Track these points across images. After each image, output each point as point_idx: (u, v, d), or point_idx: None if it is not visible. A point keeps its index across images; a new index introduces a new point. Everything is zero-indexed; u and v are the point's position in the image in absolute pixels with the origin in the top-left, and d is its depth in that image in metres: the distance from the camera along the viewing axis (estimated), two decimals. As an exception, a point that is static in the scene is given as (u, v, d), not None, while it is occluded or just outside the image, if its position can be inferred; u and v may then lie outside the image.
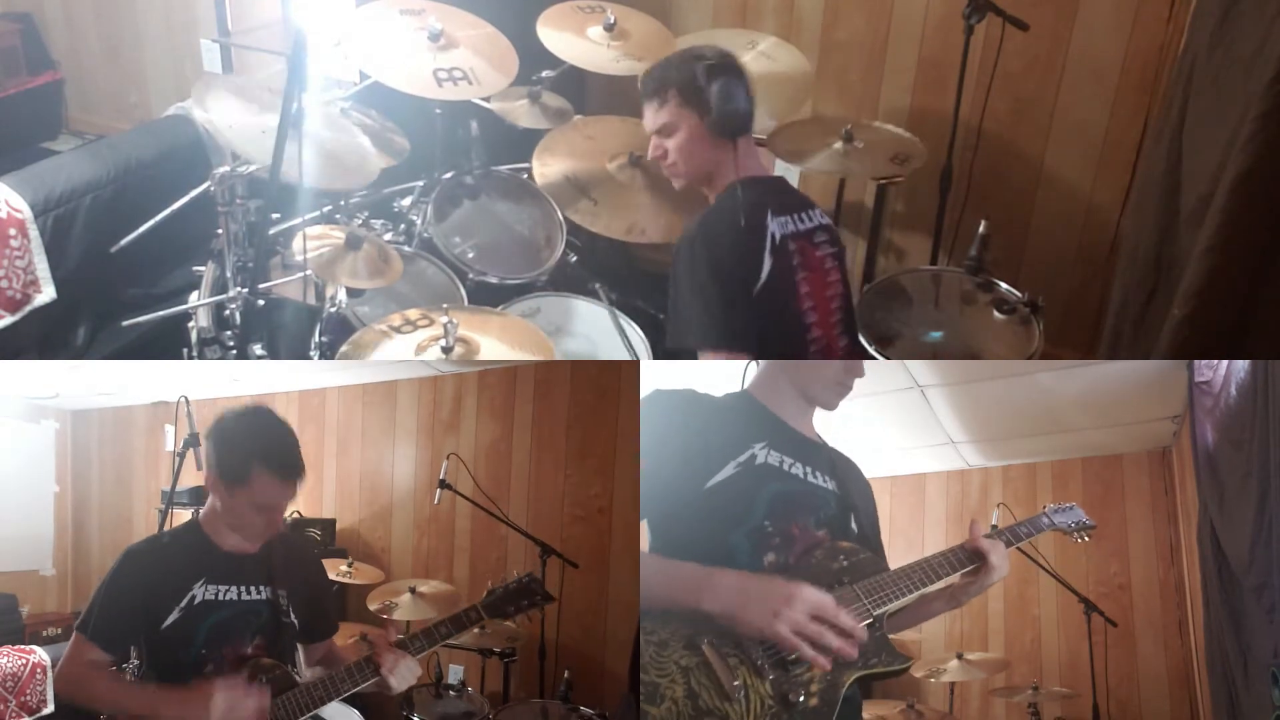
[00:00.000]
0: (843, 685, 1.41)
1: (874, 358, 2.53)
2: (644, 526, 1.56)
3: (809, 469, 1.61)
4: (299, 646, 1.90)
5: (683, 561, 1.44)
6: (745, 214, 2.02)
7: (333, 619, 2.01)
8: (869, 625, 1.45)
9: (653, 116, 2.15)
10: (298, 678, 1.76)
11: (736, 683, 1.36)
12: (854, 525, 1.61)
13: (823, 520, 1.57)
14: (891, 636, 1.50)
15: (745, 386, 1.71)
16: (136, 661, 1.90)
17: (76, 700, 1.73)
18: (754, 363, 1.73)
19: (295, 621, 1.84)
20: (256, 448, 1.74)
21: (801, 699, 1.37)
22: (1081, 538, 1.84)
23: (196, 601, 1.73)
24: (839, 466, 1.67)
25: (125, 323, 2.68)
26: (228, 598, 1.76)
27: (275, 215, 2.64)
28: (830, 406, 1.70)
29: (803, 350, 2.10)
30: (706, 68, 2.06)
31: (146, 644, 1.75)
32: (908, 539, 3.93)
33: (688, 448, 1.54)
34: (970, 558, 1.59)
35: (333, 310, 2.53)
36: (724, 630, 1.39)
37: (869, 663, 1.43)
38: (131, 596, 1.73)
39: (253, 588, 1.79)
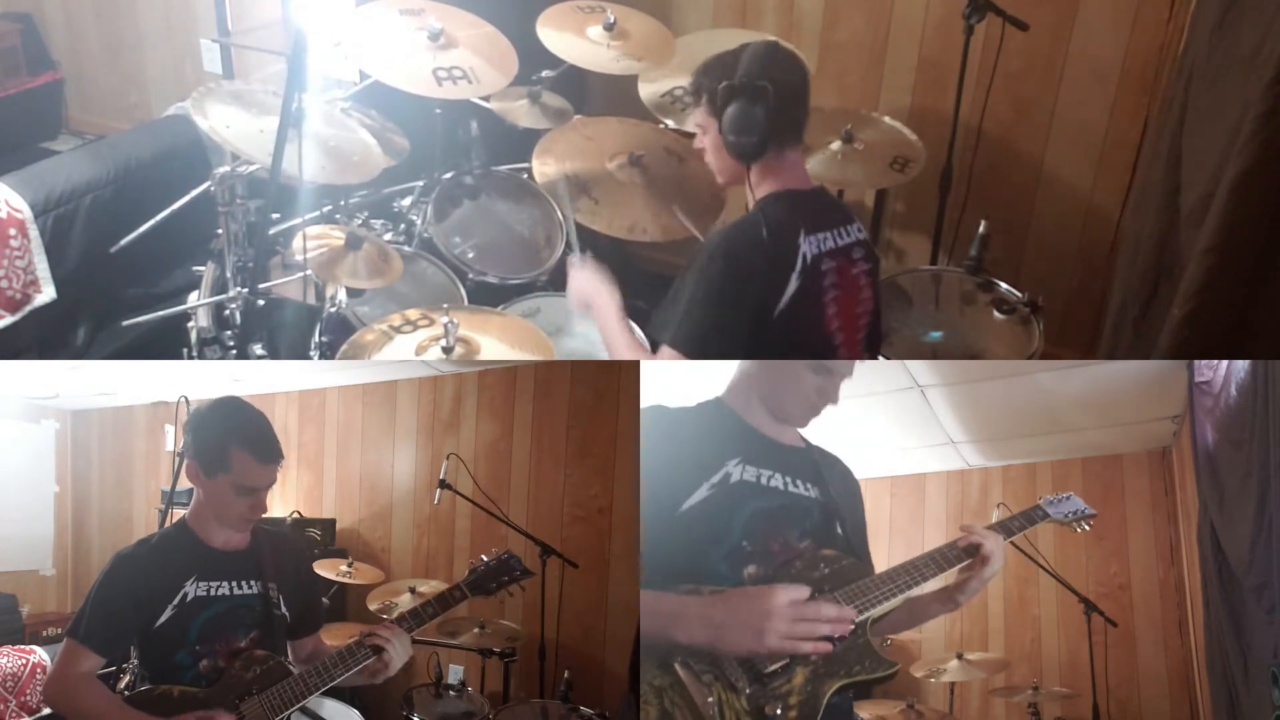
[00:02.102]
0: (824, 695, 1.39)
1: (874, 358, 2.53)
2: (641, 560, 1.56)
3: (789, 479, 1.59)
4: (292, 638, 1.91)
5: (656, 592, 1.42)
6: (772, 234, 1.91)
7: (320, 613, 2.01)
8: (852, 632, 1.44)
9: (695, 112, 2.08)
10: (291, 668, 1.77)
11: (710, 699, 1.34)
12: (839, 530, 1.59)
13: (806, 531, 1.56)
14: (890, 639, 1.49)
15: (723, 393, 1.67)
16: (134, 663, 1.91)
17: (64, 711, 1.72)
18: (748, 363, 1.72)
19: (287, 614, 1.85)
20: (233, 432, 1.77)
21: (779, 712, 1.35)
22: (1081, 527, 1.79)
23: (189, 599, 1.74)
24: (823, 469, 1.65)
25: (125, 323, 2.68)
26: (220, 593, 1.77)
27: (275, 215, 2.64)
28: (801, 425, 1.67)
29: None
30: (726, 89, 1.94)
31: (140, 644, 1.76)
32: (907, 539, 3.92)
33: (660, 469, 1.53)
34: (960, 555, 1.57)
35: (333, 310, 2.53)
36: (697, 650, 1.38)
37: (852, 670, 1.42)
38: (123, 599, 1.74)
39: (244, 582, 1.80)
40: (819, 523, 1.58)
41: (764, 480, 1.56)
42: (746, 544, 1.50)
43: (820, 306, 1.97)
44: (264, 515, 1.88)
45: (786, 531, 1.54)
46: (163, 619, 1.72)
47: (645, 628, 1.40)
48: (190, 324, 2.67)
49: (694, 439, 1.58)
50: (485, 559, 1.90)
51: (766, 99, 1.91)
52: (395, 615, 1.83)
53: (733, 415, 1.63)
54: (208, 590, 1.76)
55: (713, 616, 1.38)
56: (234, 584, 1.79)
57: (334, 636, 2.04)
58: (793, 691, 1.38)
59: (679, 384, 1.84)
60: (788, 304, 1.92)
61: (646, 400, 1.63)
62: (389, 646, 1.73)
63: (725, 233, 1.96)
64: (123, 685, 2.33)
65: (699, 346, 1.88)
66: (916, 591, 1.53)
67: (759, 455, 1.58)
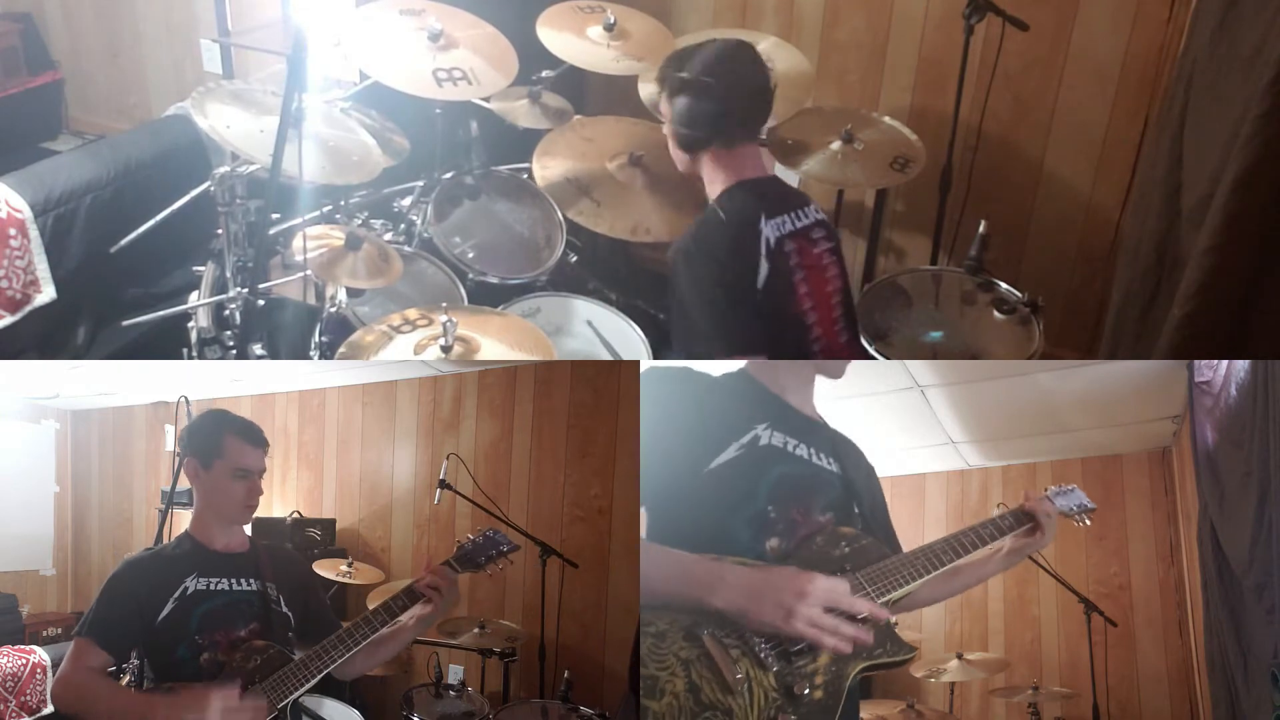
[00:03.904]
0: (848, 676, 1.39)
1: (874, 356, 2.53)
2: (643, 511, 1.54)
3: (812, 450, 1.59)
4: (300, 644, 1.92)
5: (689, 553, 1.41)
6: (735, 221, 2.01)
7: (329, 615, 2.03)
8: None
9: (661, 100, 2.14)
10: (292, 657, 1.80)
11: (739, 675, 1.33)
12: (857, 509, 1.60)
13: (828, 504, 1.56)
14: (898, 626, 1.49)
15: (747, 365, 1.69)
16: (136, 663, 1.93)
17: (74, 707, 1.75)
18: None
19: (289, 614, 1.88)
20: (222, 424, 1.91)
21: (806, 691, 1.35)
22: (1082, 521, 1.80)
23: (189, 592, 1.80)
24: (840, 448, 1.65)
25: (125, 323, 2.68)
26: (219, 587, 1.83)
27: (275, 215, 2.64)
28: (836, 374, 1.70)
29: (805, 350, 2.09)
30: (677, 81, 2.03)
31: (145, 641, 1.80)
32: (908, 539, 3.87)
33: (688, 427, 1.52)
34: (976, 542, 1.59)
35: (333, 310, 2.53)
36: (726, 620, 1.37)
37: (873, 653, 1.41)
38: (128, 597, 1.79)
39: (243, 579, 1.86)
40: (840, 497, 1.58)
41: (790, 447, 1.56)
42: (771, 509, 1.49)
43: (791, 287, 2.04)
44: (264, 516, 1.90)
45: (810, 501, 1.54)
46: (164, 613, 1.77)
47: (666, 588, 1.38)
48: (190, 324, 2.67)
49: (723, 401, 1.58)
50: (471, 536, 1.97)
51: (712, 95, 1.99)
52: (390, 597, 1.85)
53: (759, 385, 1.64)
54: (207, 585, 1.82)
55: (752, 584, 1.37)
56: (233, 580, 1.85)
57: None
58: (818, 671, 1.38)
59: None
60: (763, 286, 2.00)
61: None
62: (437, 595, 1.84)
63: (690, 233, 2.03)
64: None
65: (735, 344, 1.95)
66: (938, 574, 1.53)
67: (785, 423, 1.58)
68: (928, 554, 1.53)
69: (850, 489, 1.61)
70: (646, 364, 2.51)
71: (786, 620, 1.35)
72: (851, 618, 1.39)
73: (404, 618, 1.85)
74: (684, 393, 1.58)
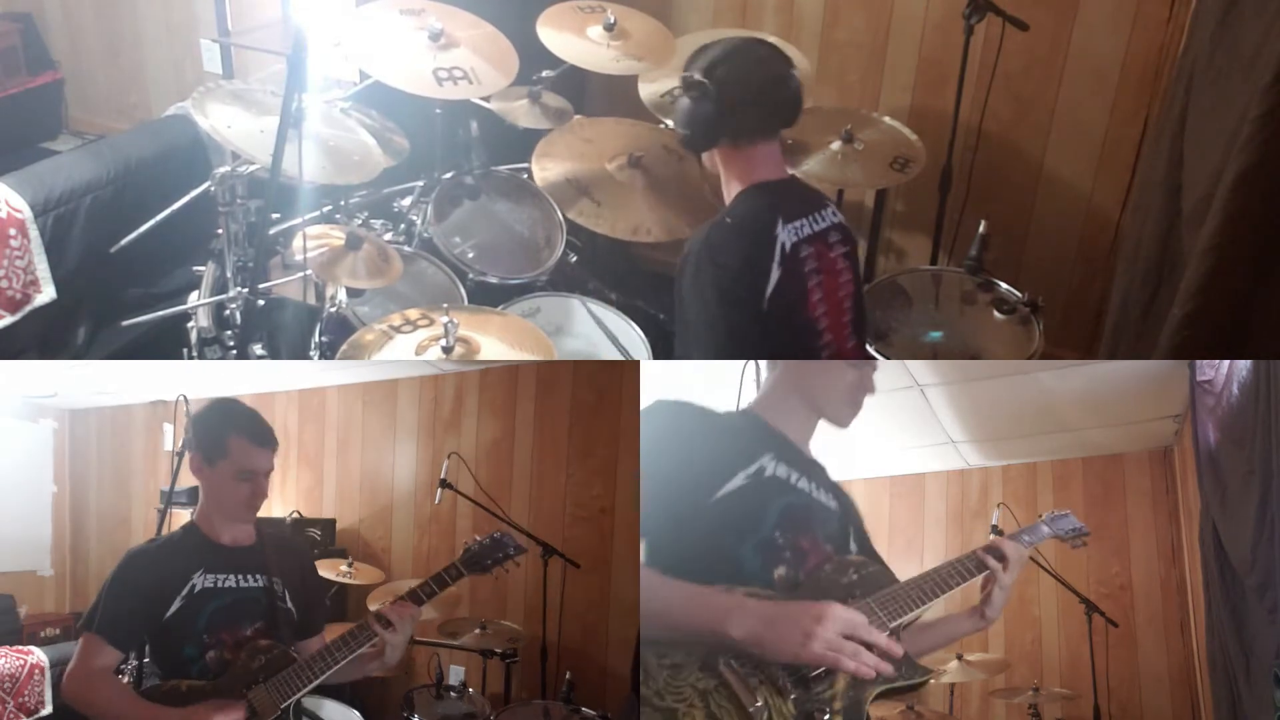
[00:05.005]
0: (866, 701, 1.39)
1: (875, 358, 2.53)
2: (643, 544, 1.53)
3: (814, 484, 1.59)
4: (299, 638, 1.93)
5: (700, 585, 1.40)
6: (747, 227, 1.97)
7: (323, 614, 2.05)
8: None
9: None
10: (296, 656, 1.81)
11: (759, 703, 1.33)
12: (853, 544, 1.60)
13: (827, 536, 1.56)
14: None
15: (750, 405, 1.68)
16: (135, 664, 1.94)
17: (81, 705, 1.75)
18: (753, 363, 1.72)
19: (292, 609, 1.89)
20: (229, 421, 1.87)
21: (826, 717, 1.35)
22: (1078, 544, 1.81)
23: (197, 590, 1.80)
24: (837, 489, 1.66)
25: (125, 323, 2.69)
26: (226, 585, 1.83)
27: (275, 215, 2.64)
28: (843, 424, 1.67)
29: (814, 355, 2.08)
30: (684, 80, 2.01)
31: (151, 637, 1.80)
32: (907, 539, 3.92)
33: (694, 457, 1.52)
34: (981, 563, 1.57)
35: (333, 310, 2.53)
36: (742, 651, 1.36)
37: (891, 677, 1.41)
38: (136, 593, 1.79)
39: (250, 575, 1.86)
40: (837, 531, 1.58)
41: (794, 480, 1.56)
42: (778, 535, 1.49)
43: (804, 292, 2.01)
44: (265, 516, 1.90)
45: (814, 531, 1.54)
46: (172, 610, 1.77)
47: (677, 621, 1.38)
48: (190, 324, 2.67)
49: (729, 434, 1.58)
50: (478, 538, 1.95)
51: (707, 95, 1.97)
52: (394, 598, 1.85)
53: (764, 424, 1.63)
54: (215, 582, 1.81)
55: (770, 613, 1.37)
56: (240, 577, 1.85)
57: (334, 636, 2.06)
58: (836, 697, 1.37)
59: (682, 385, 1.84)
60: (773, 294, 1.97)
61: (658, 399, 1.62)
62: (397, 623, 1.78)
63: (702, 238, 2.00)
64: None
65: (734, 352, 1.91)
66: (942, 601, 1.52)
67: (790, 457, 1.58)
68: (933, 578, 1.52)
69: (847, 525, 1.61)
70: (647, 364, 2.52)
71: (805, 645, 1.34)
72: (869, 647, 1.38)
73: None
74: (692, 425, 1.57)
